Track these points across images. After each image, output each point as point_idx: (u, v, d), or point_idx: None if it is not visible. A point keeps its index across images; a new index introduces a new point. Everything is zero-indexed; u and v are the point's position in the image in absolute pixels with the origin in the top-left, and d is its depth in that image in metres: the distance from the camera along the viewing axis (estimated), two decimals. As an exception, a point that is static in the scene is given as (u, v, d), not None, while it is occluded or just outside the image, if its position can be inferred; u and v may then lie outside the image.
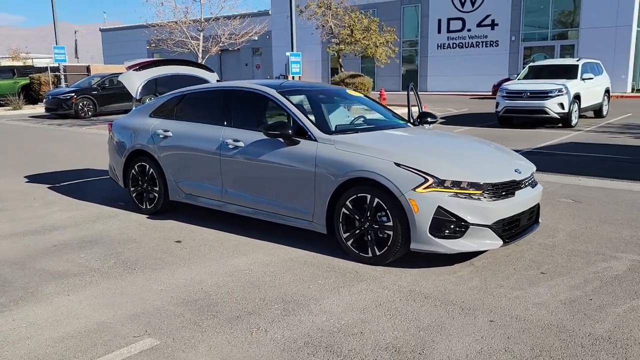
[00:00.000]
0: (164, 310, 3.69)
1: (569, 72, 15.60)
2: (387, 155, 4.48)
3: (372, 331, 3.34)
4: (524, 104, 14.79)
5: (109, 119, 20.40)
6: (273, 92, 5.37)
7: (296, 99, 5.42)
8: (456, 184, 4.25)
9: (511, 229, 4.49)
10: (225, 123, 5.56)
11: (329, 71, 38.57)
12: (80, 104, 21.02)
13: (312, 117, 5.21)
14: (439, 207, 4.19)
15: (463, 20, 32.11)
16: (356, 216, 4.55)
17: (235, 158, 5.34)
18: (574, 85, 14.82)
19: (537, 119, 14.86)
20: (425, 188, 4.22)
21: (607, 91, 17.28)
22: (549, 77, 15.61)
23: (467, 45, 32.18)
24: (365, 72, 36.63)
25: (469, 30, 31.96)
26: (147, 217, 6.16)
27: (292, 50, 19.60)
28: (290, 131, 4.89)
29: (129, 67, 6.86)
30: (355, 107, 6.12)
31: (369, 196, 4.46)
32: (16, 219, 6.18)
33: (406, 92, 7.32)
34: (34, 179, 8.59)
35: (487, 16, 31.14)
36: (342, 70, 21.21)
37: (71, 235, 5.50)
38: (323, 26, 21.10)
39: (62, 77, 25.78)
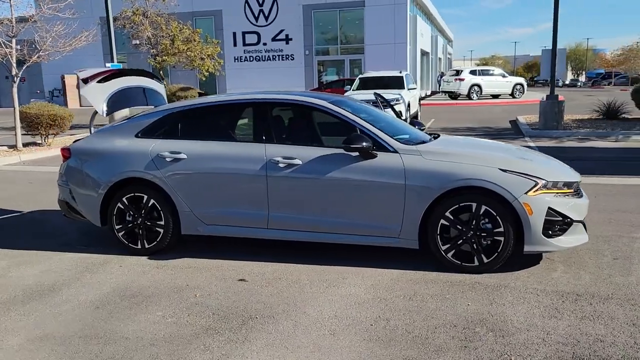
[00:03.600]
0: (394, 356, 3.18)
1: (396, 83, 17.30)
2: (488, 162, 4.53)
3: (611, 334, 3.36)
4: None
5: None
6: (326, 104, 4.97)
7: (350, 109, 5.06)
8: (555, 184, 4.51)
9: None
10: (266, 139, 4.92)
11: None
12: None
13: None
14: (549, 208, 4.39)
15: (258, 34, 32.87)
16: (458, 226, 4.49)
17: (290, 178, 4.77)
18: (405, 95, 16.47)
19: (379, 127, 16.06)
20: (535, 191, 4.39)
21: (420, 99, 19.60)
22: (378, 88, 17.06)
23: (264, 59, 33.03)
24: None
25: (264, 44, 32.85)
26: (149, 259, 5.10)
27: (111, 61, 17.77)
28: (368, 144, 4.59)
29: (89, 78, 5.55)
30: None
31: (474, 204, 4.44)
32: (-34, 283, 4.53)
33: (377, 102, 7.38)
34: None
35: (281, 31, 32.42)
36: (165, 83, 19.90)
37: (91, 293, 4.28)
38: (139, 35, 19.53)
39: None
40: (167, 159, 5.06)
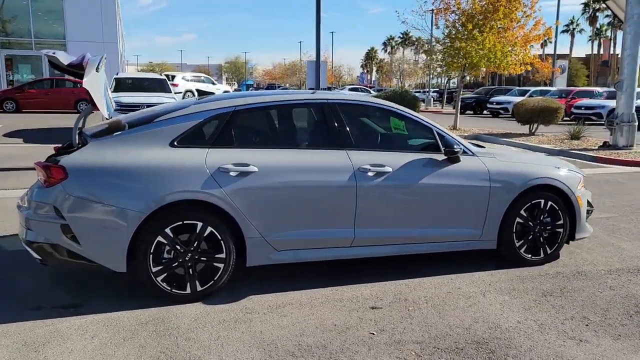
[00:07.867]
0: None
1: (160, 87, 16.08)
2: (545, 162, 4.96)
3: None
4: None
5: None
6: (394, 106, 4.61)
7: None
8: (583, 179, 5.19)
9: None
10: (344, 145, 4.24)
11: None
12: None
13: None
14: (587, 199, 5.05)
15: None
16: (530, 222, 4.75)
17: (382, 187, 4.24)
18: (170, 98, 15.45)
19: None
20: (580, 185, 4.98)
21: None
22: (140, 91, 15.55)
23: None
24: None
25: None
26: (205, 304, 3.81)
27: None
28: (461, 148, 4.47)
29: (83, 65, 3.71)
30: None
31: (542, 201, 4.77)
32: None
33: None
34: None
35: (-50, 15, 26.07)
36: None
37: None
38: None
39: None
40: (232, 174, 3.85)
